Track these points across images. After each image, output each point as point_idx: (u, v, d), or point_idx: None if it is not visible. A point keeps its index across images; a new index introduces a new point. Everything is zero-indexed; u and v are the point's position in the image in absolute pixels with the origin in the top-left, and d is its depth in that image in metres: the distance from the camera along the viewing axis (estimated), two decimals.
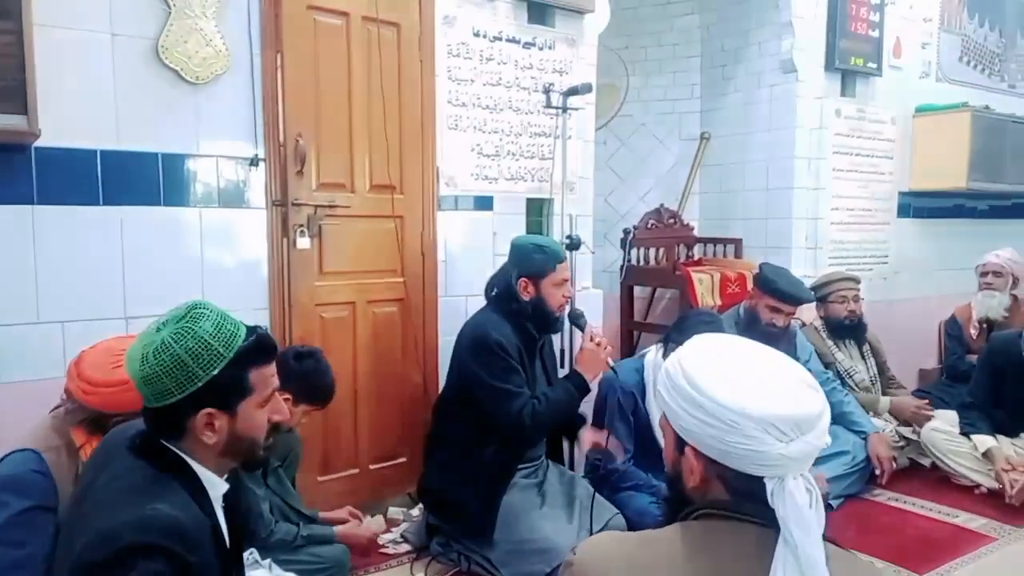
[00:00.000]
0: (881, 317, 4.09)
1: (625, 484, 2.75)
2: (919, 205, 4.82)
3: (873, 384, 3.72)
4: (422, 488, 2.68)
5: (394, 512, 2.93)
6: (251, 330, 1.30)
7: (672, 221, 4.43)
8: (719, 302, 3.94)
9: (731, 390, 0.97)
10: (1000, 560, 2.70)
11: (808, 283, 3.67)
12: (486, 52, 3.17)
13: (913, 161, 4.70)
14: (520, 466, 2.58)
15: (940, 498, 3.22)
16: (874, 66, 4.36)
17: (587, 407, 2.77)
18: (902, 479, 3.39)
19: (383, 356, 3.01)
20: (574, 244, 3.13)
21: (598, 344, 2.55)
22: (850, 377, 3.63)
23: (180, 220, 2.52)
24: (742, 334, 3.13)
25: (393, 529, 2.82)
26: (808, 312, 3.74)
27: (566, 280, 2.58)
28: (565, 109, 3.15)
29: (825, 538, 0.95)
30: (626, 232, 4.27)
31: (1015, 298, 4.11)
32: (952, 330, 4.33)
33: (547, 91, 3.20)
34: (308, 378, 2.23)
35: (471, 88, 3.14)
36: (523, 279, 2.53)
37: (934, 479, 3.41)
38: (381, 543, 2.73)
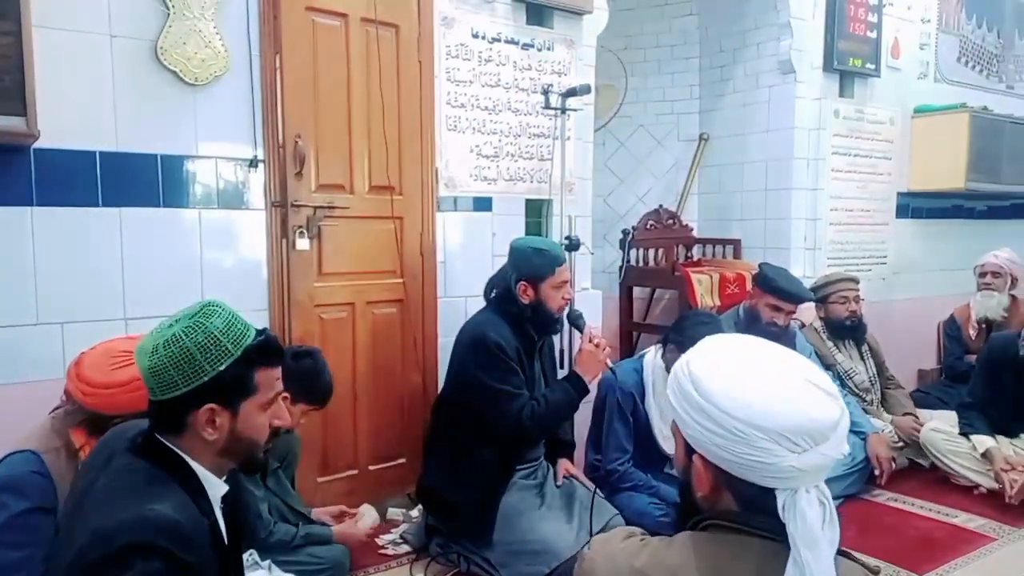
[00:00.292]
0: (880, 317, 4.10)
1: (624, 485, 2.75)
2: (917, 205, 4.83)
3: (873, 385, 3.72)
4: (421, 489, 2.68)
5: (393, 513, 2.93)
6: (260, 332, 1.32)
7: (671, 222, 4.43)
8: (718, 303, 3.94)
9: (739, 398, 0.91)
10: (999, 560, 2.70)
11: (808, 284, 3.67)
12: (485, 53, 3.17)
13: (911, 162, 4.71)
14: (519, 467, 2.58)
15: (939, 498, 3.22)
16: (872, 67, 4.37)
17: (586, 407, 2.77)
18: (901, 479, 3.39)
19: (382, 357, 3.01)
20: (573, 245, 3.14)
21: (597, 345, 2.55)
22: (850, 379, 3.63)
23: (179, 221, 2.52)
24: (743, 334, 3.13)
25: (392, 530, 2.82)
26: (807, 313, 3.74)
27: (565, 282, 2.58)
28: (564, 110, 3.16)
29: (839, 551, 0.92)
30: (625, 233, 4.28)
31: (1014, 298, 4.12)
32: (951, 330, 4.34)
33: (546, 92, 3.21)
34: (306, 378, 2.23)
35: (470, 89, 3.14)
36: (522, 282, 2.52)
37: (933, 479, 3.42)
38: (380, 544, 2.73)
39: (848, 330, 3.66)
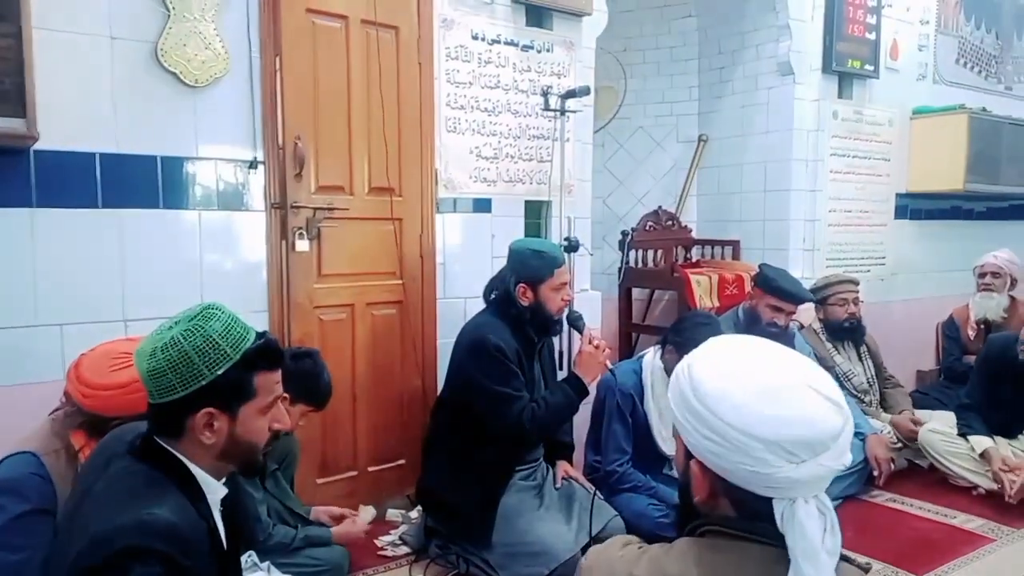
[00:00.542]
0: (879, 318, 4.10)
1: (623, 486, 2.75)
2: (916, 207, 4.83)
3: (871, 387, 3.72)
4: (420, 490, 2.69)
5: (392, 514, 2.93)
6: (260, 335, 1.32)
7: (670, 223, 4.43)
8: (717, 304, 3.94)
9: (737, 406, 0.88)
10: (998, 561, 2.71)
11: (807, 285, 3.68)
12: (484, 55, 3.18)
13: (910, 163, 4.71)
14: (518, 468, 2.58)
15: (938, 499, 3.23)
16: (871, 68, 4.37)
17: (585, 409, 2.77)
18: (900, 480, 3.40)
19: (382, 358, 3.01)
20: (572, 246, 3.14)
21: (596, 347, 2.55)
22: (848, 380, 3.63)
23: (179, 223, 2.53)
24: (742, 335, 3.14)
25: (392, 531, 2.82)
26: (806, 314, 3.74)
27: (565, 284, 2.57)
28: (563, 112, 3.16)
29: (841, 557, 0.90)
30: (624, 234, 4.28)
31: (1013, 299, 4.12)
32: (950, 331, 4.34)
33: (545, 94, 3.21)
34: (306, 379, 2.23)
35: (469, 91, 3.14)
36: (521, 284, 2.52)
37: (932, 480, 3.42)
38: (380, 545, 2.73)
39: (846, 332, 3.66)
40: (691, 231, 4.58)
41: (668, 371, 2.71)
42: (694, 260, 4.45)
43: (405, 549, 2.72)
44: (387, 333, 3.02)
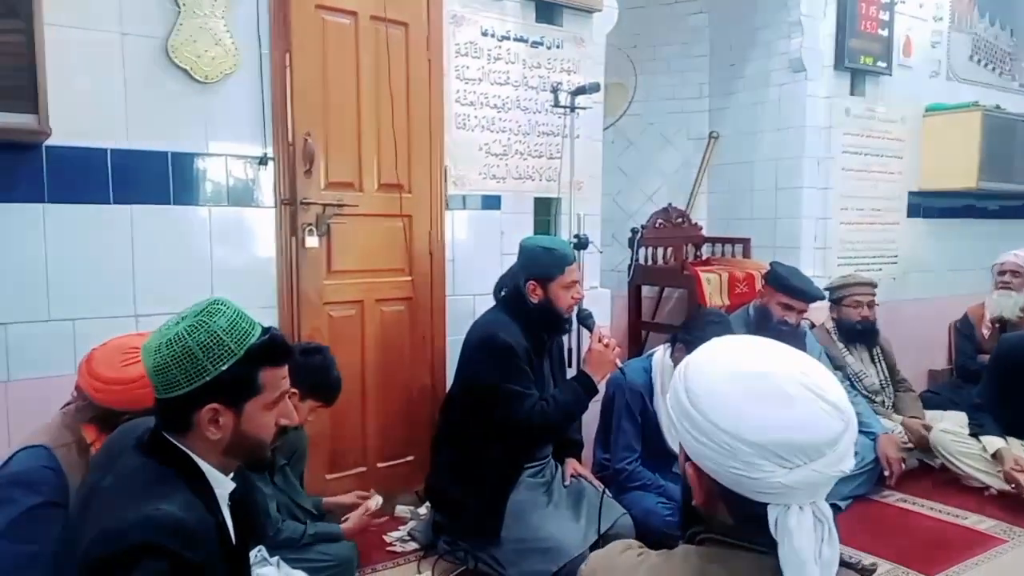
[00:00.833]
0: (890, 317, 4.07)
1: (632, 484, 2.75)
2: (929, 205, 4.80)
3: (884, 388, 3.69)
4: (429, 486, 2.69)
5: (401, 510, 2.93)
6: (266, 331, 1.31)
7: (680, 220, 4.41)
8: (727, 302, 3.93)
9: (727, 408, 0.86)
10: (1010, 562, 2.68)
11: (823, 283, 3.66)
12: (494, 51, 3.17)
13: (923, 161, 4.68)
14: (527, 465, 2.58)
15: (949, 499, 3.21)
16: (884, 65, 4.34)
17: (594, 406, 2.76)
18: (911, 480, 3.38)
19: (391, 355, 3.02)
20: (582, 243, 3.13)
21: (606, 345, 2.54)
22: (859, 381, 3.61)
23: (190, 219, 2.53)
24: (753, 333, 3.11)
25: (400, 527, 2.82)
26: (818, 312, 3.72)
27: (575, 282, 2.56)
28: (573, 108, 3.15)
29: (843, 563, 0.87)
30: (634, 232, 4.26)
31: None
32: (964, 329, 4.30)
33: (555, 90, 3.21)
34: (315, 374, 2.23)
35: (479, 87, 3.14)
36: (531, 282, 2.52)
37: (943, 480, 3.40)
38: (388, 541, 2.73)
39: (858, 334, 3.63)
40: (701, 229, 4.56)
41: None
42: (704, 258, 4.43)
43: (414, 545, 2.72)
44: (396, 329, 3.03)
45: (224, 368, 1.24)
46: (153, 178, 2.46)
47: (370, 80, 2.86)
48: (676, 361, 2.70)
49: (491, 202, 3.23)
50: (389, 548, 2.70)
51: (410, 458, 3.10)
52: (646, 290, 4.56)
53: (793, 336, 3.13)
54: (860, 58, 4.22)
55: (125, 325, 2.35)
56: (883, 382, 3.70)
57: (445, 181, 3.08)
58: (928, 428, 3.49)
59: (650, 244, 4.26)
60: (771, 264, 3.34)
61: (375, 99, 2.88)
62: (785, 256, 4.01)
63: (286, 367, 1.36)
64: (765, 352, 0.91)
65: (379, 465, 3.04)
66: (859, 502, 3.16)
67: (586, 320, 2.67)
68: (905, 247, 4.66)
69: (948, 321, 4.61)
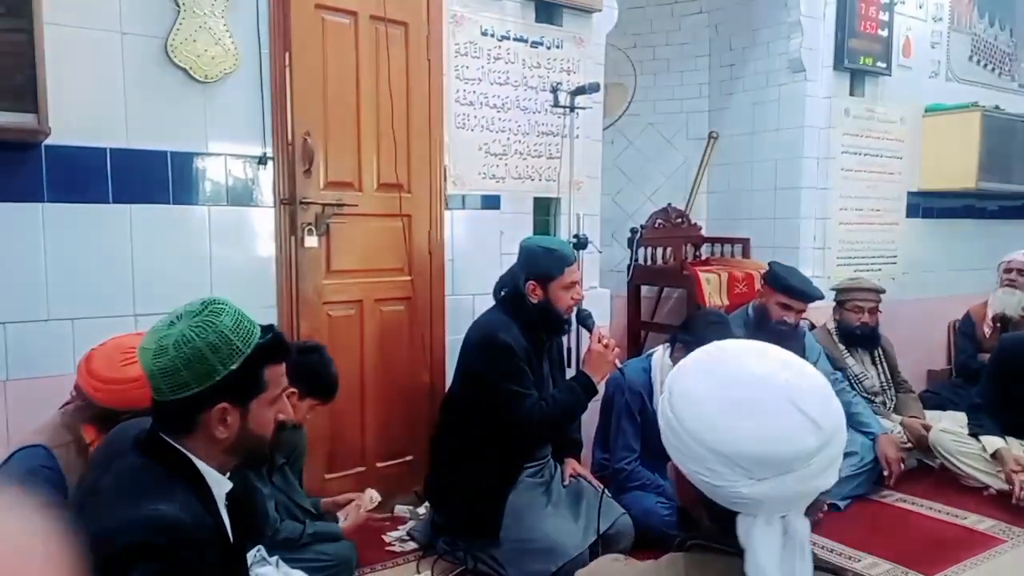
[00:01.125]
0: (890, 317, 4.07)
1: (631, 484, 2.75)
2: (928, 205, 4.80)
3: (885, 390, 3.68)
4: (428, 486, 2.69)
5: (400, 510, 2.93)
6: (266, 329, 1.32)
7: (680, 221, 4.42)
8: (727, 302, 3.93)
9: (702, 415, 0.83)
10: (1009, 562, 2.68)
11: (823, 283, 3.65)
12: (494, 51, 3.17)
13: (922, 161, 4.68)
14: (527, 465, 2.58)
15: (949, 499, 3.21)
16: (883, 65, 4.34)
17: (593, 406, 2.76)
18: (910, 480, 3.38)
19: (390, 354, 3.02)
20: (581, 243, 3.13)
21: (606, 346, 2.54)
22: (859, 383, 3.60)
23: (189, 218, 2.53)
24: (752, 333, 3.13)
25: (399, 527, 2.82)
26: (818, 313, 3.72)
27: (575, 283, 2.56)
28: (573, 108, 3.15)
29: (826, 568, 0.86)
30: (633, 231, 4.26)
31: None
32: (965, 328, 4.30)
33: (555, 90, 3.21)
34: (314, 373, 2.24)
35: (479, 87, 3.14)
36: (531, 282, 2.52)
37: (943, 480, 3.39)
38: (387, 541, 2.73)
39: (857, 339, 3.62)
40: (701, 229, 4.56)
41: None
42: (704, 258, 4.43)
43: (413, 545, 2.72)
44: (395, 329, 3.02)
45: (233, 368, 1.24)
46: (152, 178, 2.46)
47: (370, 80, 2.86)
48: (676, 361, 2.69)
49: (490, 202, 3.23)
50: (388, 548, 2.70)
51: (409, 458, 3.10)
52: (645, 290, 4.56)
53: (792, 336, 3.14)
54: (860, 58, 4.22)
55: (124, 325, 2.35)
56: (884, 384, 3.69)
57: (444, 181, 3.08)
58: (927, 428, 3.49)
59: (649, 244, 4.26)
60: (770, 264, 3.34)
61: (374, 99, 2.88)
62: (784, 256, 4.01)
63: (284, 363, 1.37)
64: (757, 360, 0.87)
65: (378, 465, 3.04)
66: (858, 502, 3.16)
67: (585, 320, 2.67)
68: (904, 247, 4.67)
69: (947, 321, 4.61)
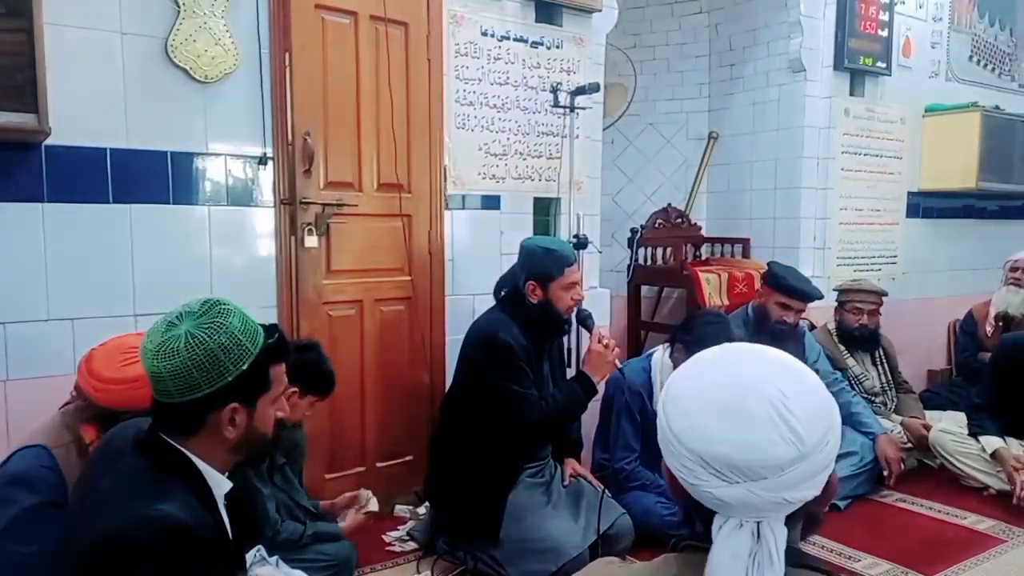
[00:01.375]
0: (890, 317, 4.07)
1: (631, 484, 2.75)
2: (928, 205, 4.80)
3: (885, 391, 3.68)
4: (428, 486, 2.69)
5: (400, 510, 2.93)
6: (268, 328, 1.33)
7: (680, 221, 4.42)
8: (726, 302, 3.93)
9: (688, 413, 0.84)
10: (1009, 562, 2.68)
11: (823, 283, 3.65)
12: (494, 51, 3.17)
13: (922, 161, 4.68)
14: (527, 465, 2.58)
15: (948, 499, 3.21)
16: (883, 65, 4.34)
17: (594, 406, 2.76)
18: (910, 480, 3.37)
19: (390, 354, 3.02)
20: (581, 243, 3.14)
21: (605, 346, 2.54)
22: (860, 383, 3.60)
23: (189, 218, 2.53)
24: (751, 333, 3.13)
25: (400, 527, 2.82)
26: (819, 313, 3.72)
27: (575, 284, 2.55)
28: (573, 108, 3.15)
29: (803, 564, 0.85)
30: (633, 231, 4.27)
31: None
32: (967, 326, 4.29)
33: (555, 90, 3.21)
34: (312, 370, 2.26)
35: (479, 87, 3.14)
36: (531, 282, 2.52)
37: (942, 480, 3.40)
38: (387, 540, 2.73)
39: (856, 340, 3.62)
40: (701, 229, 4.56)
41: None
42: (704, 258, 4.43)
43: (413, 545, 2.72)
44: (395, 329, 3.02)
45: (244, 368, 1.25)
46: (152, 178, 2.46)
47: (370, 80, 2.86)
48: (676, 361, 2.71)
49: (491, 202, 3.23)
50: (388, 548, 2.70)
51: (409, 458, 3.10)
52: (645, 290, 4.56)
53: (791, 336, 3.14)
54: (860, 58, 4.22)
55: (124, 325, 2.35)
56: (884, 384, 3.69)
57: (444, 181, 3.08)
58: (927, 428, 3.49)
59: (649, 244, 4.26)
60: (769, 264, 3.34)
61: (374, 99, 2.88)
62: (784, 256, 4.02)
63: (285, 362, 1.38)
64: (752, 367, 0.86)
65: (378, 465, 3.04)
66: (858, 502, 3.16)
67: (585, 320, 2.67)
68: (904, 247, 4.66)
69: (947, 321, 4.61)
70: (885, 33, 4.33)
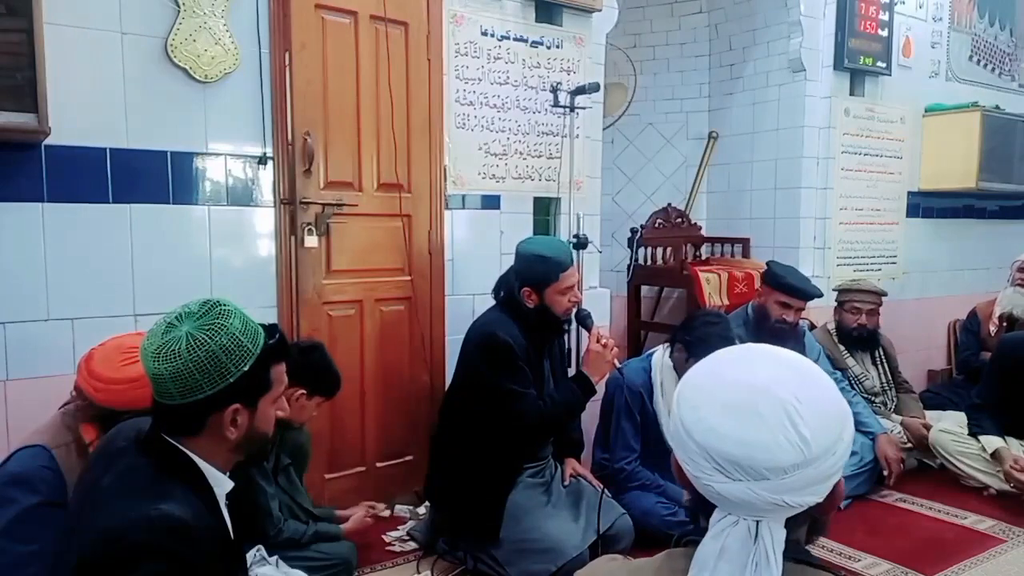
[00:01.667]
0: (890, 317, 4.07)
1: (631, 484, 2.75)
2: (928, 205, 4.80)
3: (886, 391, 3.68)
4: (428, 486, 2.69)
5: (400, 510, 2.93)
6: (268, 328, 1.33)
7: (680, 220, 4.42)
8: (726, 302, 3.93)
9: (699, 407, 0.85)
10: (1009, 562, 2.68)
11: (823, 283, 3.65)
12: (494, 51, 3.17)
13: (922, 161, 4.68)
14: (527, 465, 2.58)
15: (948, 499, 3.21)
16: (883, 65, 4.34)
17: (593, 406, 2.76)
18: (910, 480, 3.38)
19: (390, 354, 3.02)
20: (581, 243, 3.13)
21: (604, 346, 2.53)
22: (860, 383, 3.60)
23: (189, 218, 2.53)
24: (751, 332, 3.13)
25: (400, 527, 2.82)
26: (819, 313, 3.72)
27: (572, 287, 2.53)
28: (573, 108, 3.15)
29: (803, 560, 0.86)
30: (633, 231, 4.27)
31: None
32: (971, 325, 4.29)
33: (555, 90, 3.21)
34: (319, 371, 2.28)
35: (479, 87, 3.14)
36: (526, 288, 2.51)
37: (942, 480, 3.40)
38: (388, 540, 2.73)
39: (855, 340, 3.62)
40: (701, 229, 4.56)
41: (677, 369, 2.70)
42: (704, 258, 4.43)
43: (413, 545, 2.72)
44: (395, 329, 3.02)
45: (245, 369, 1.25)
46: (152, 177, 2.45)
47: (369, 80, 2.86)
48: (676, 361, 2.71)
49: (491, 202, 3.23)
50: (388, 548, 2.70)
51: (409, 458, 3.09)
52: (645, 290, 4.56)
53: (791, 335, 3.14)
54: (860, 58, 4.22)
55: (124, 324, 2.35)
56: (885, 384, 3.69)
57: (444, 181, 3.08)
58: (927, 428, 3.49)
59: (649, 244, 4.26)
60: (768, 263, 3.34)
61: (374, 99, 2.88)
62: (784, 256, 4.02)
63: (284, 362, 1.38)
64: (769, 369, 0.87)
65: (378, 465, 3.04)
66: (858, 502, 3.16)
67: (585, 320, 2.67)
68: (904, 247, 4.66)
69: (947, 321, 4.61)
70: (885, 33, 4.33)
